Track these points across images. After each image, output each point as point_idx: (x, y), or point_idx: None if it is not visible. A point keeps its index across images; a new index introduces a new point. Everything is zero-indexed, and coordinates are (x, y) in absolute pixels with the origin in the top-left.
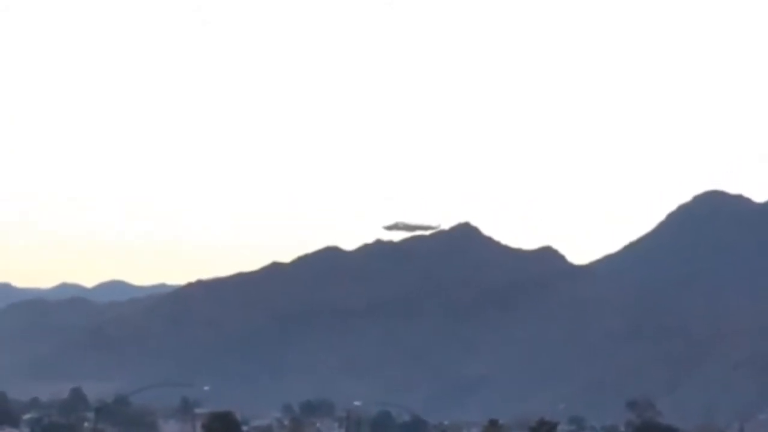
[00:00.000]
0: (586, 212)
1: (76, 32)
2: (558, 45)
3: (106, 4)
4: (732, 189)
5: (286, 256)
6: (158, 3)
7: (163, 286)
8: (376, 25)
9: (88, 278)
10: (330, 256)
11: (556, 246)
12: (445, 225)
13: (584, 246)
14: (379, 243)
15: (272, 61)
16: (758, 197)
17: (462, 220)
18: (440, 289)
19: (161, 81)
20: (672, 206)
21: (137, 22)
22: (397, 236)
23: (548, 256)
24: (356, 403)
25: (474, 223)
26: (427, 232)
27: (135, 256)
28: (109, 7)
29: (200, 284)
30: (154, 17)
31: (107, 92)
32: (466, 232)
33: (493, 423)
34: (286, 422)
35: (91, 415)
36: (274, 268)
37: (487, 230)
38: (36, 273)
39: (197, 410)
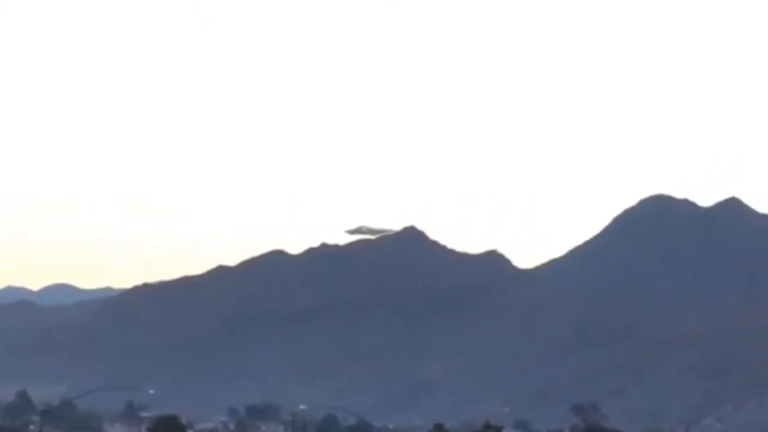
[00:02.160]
0: (532, 216)
1: (77, 32)
2: (509, 53)
3: (106, 4)
4: (678, 193)
5: (232, 260)
6: (158, 3)
7: (109, 289)
8: (373, 26)
9: (34, 281)
10: (276, 260)
11: (501, 250)
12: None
13: (530, 250)
14: (324, 247)
15: (265, 60)
16: (704, 201)
17: (408, 224)
18: (386, 293)
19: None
20: (618, 210)
21: (137, 22)
22: (343, 240)
23: (494, 260)
24: (302, 406)
25: (420, 227)
26: (374, 236)
27: (81, 260)
28: (109, 7)
29: (146, 288)
30: (154, 17)
31: (99, 88)
32: (412, 236)
33: (439, 427)
34: (231, 426)
35: (36, 418)
36: (220, 271)
37: (433, 234)
38: None
39: (143, 414)
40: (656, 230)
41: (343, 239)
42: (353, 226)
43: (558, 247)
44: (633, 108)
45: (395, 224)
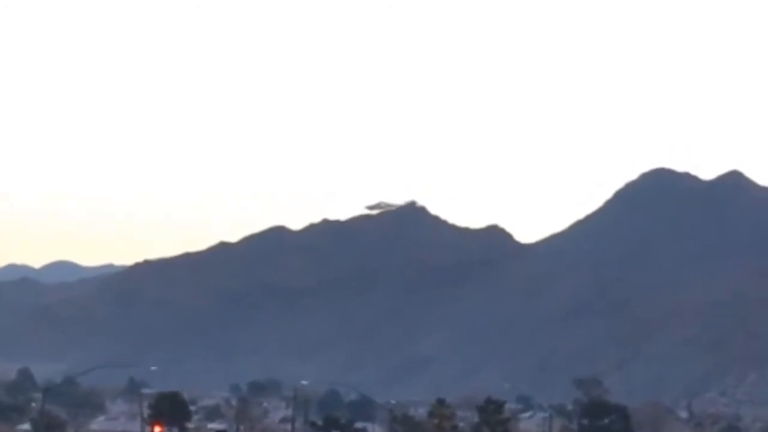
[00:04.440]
0: (533, 190)
1: (76, 32)
2: (507, 30)
3: (106, 4)
4: (679, 167)
5: (233, 236)
6: (158, 3)
7: (110, 266)
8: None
9: (36, 259)
10: (277, 236)
11: (502, 224)
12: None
13: (531, 224)
14: (325, 223)
15: (268, 44)
16: (705, 175)
17: (409, 199)
18: (387, 268)
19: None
20: (619, 184)
21: (137, 21)
22: (344, 216)
23: (495, 234)
24: (303, 382)
25: (421, 202)
26: (375, 212)
27: (82, 237)
28: (109, 7)
29: (148, 264)
30: (153, 17)
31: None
32: (413, 211)
33: (441, 402)
34: (233, 402)
35: (38, 395)
36: (222, 248)
37: (433, 209)
38: None
39: (144, 390)
40: (658, 204)
41: (344, 215)
42: (369, 203)
43: (559, 222)
44: (634, 81)
45: (400, 199)
